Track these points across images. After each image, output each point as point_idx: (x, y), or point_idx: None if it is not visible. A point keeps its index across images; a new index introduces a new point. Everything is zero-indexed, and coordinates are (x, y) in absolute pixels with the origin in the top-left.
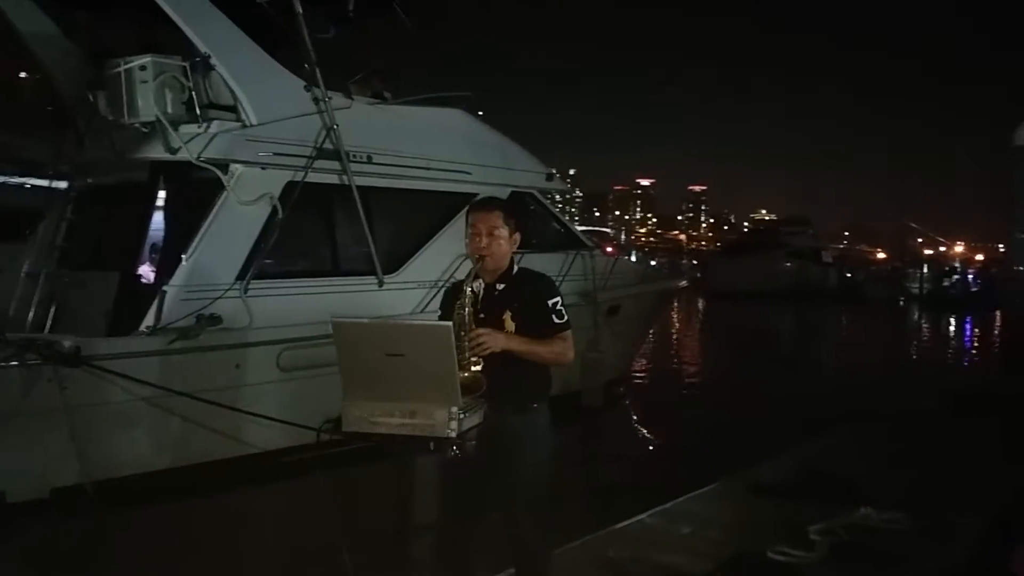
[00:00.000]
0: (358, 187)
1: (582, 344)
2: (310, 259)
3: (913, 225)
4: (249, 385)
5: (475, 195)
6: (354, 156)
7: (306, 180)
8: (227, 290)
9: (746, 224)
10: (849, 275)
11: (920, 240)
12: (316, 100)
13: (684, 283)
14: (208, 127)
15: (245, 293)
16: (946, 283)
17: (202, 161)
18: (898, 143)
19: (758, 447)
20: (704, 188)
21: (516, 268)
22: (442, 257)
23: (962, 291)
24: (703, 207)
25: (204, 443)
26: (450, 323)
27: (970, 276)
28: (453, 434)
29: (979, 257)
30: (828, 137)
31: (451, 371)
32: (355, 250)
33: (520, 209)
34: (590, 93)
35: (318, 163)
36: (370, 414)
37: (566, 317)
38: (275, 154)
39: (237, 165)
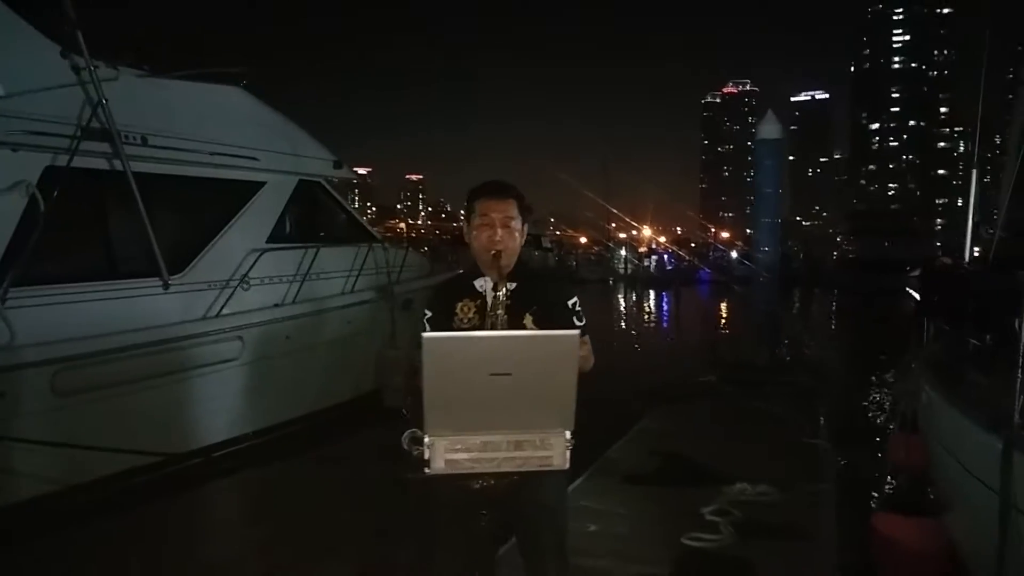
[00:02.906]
0: (134, 173)
1: (379, 341)
2: (81, 259)
3: (613, 211)
4: (19, 416)
5: (263, 183)
6: (126, 137)
7: (71, 165)
8: None
9: (462, 212)
10: (558, 258)
11: (614, 224)
12: (77, 69)
13: (462, 271)
14: None
15: (2, 303)
16: (646, 263)
17: None
18: (599, 132)
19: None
20: (421, 177)
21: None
22: (233, 253)
23: (659, 270)
24: (420, 196)
25: None
26: (576, 331)
27: (664, 256)
28: (568, 465)
29: (661, 239)
30: (534, 125)
31: (570, 389)
32: (134, 247)
33: (309, 200)
34: (301, 83)
35: (84, 144)
36: (466, 450)
37: (585, 319)
38: (29, 133)
39: None
